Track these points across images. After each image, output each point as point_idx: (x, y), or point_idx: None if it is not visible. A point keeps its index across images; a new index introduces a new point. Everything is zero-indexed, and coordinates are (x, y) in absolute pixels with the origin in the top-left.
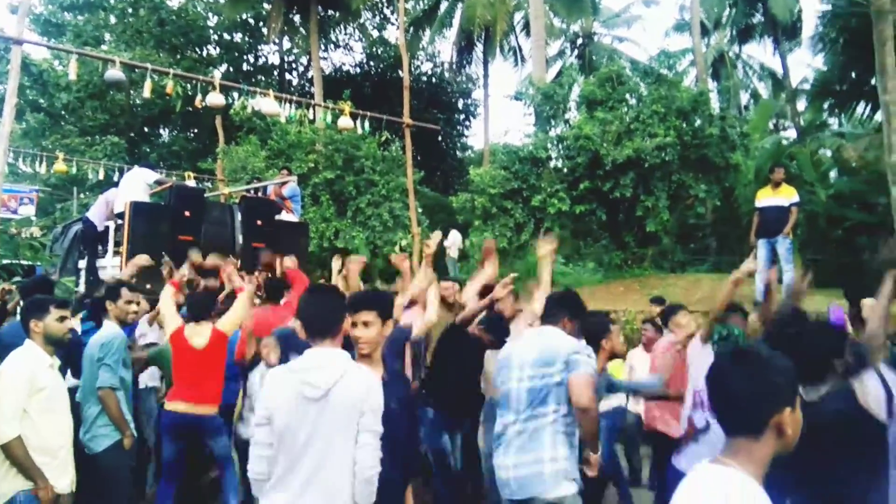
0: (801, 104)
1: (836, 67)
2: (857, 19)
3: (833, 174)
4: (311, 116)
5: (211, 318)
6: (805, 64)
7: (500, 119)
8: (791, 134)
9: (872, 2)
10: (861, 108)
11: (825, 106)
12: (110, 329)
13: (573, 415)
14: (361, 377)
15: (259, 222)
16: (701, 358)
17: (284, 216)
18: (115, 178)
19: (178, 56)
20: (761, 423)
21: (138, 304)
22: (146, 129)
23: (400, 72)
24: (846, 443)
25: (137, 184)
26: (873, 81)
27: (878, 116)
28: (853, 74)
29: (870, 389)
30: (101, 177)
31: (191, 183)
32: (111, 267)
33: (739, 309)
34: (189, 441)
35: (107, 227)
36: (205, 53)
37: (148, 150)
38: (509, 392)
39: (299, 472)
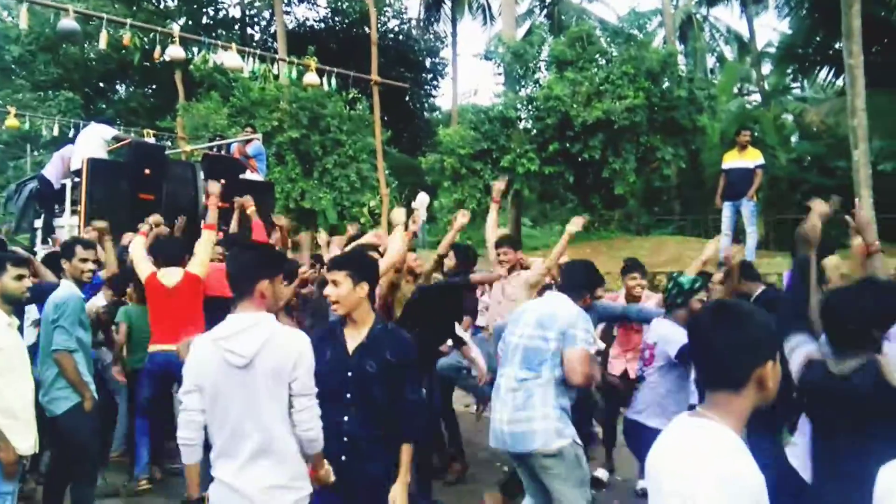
0: (766, 68)
1: (801, 31)
2: None
3: (795, 138)
4: (275, 72)
5: (180, 264)
6: (771, 28)
7: (468, 79)
8: (755, 98)
9: None
10: (824, 73)
11: (789, 70)
12: (66, 289)
13: (565, 382)
14: (288, 342)
15: (222, 181)
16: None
17: (249, 175)
18: (71, 135)
19: (135, 7)
20: (742, 376)
21: (95, 261)
22: (102, 85)
23: (366, 28)
24: (882, 422)
25: (95, 140)
26: (837, 45)
27: (841, 81)
28: (817, 38)
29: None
30: (55, 133)
31: (150, 140)
32: (69, 226)
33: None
34: (166, 382)
35: (63, 186)
36: (162, 6)
37: (104, 106)
38: (509, 345)
39: (243, 439)
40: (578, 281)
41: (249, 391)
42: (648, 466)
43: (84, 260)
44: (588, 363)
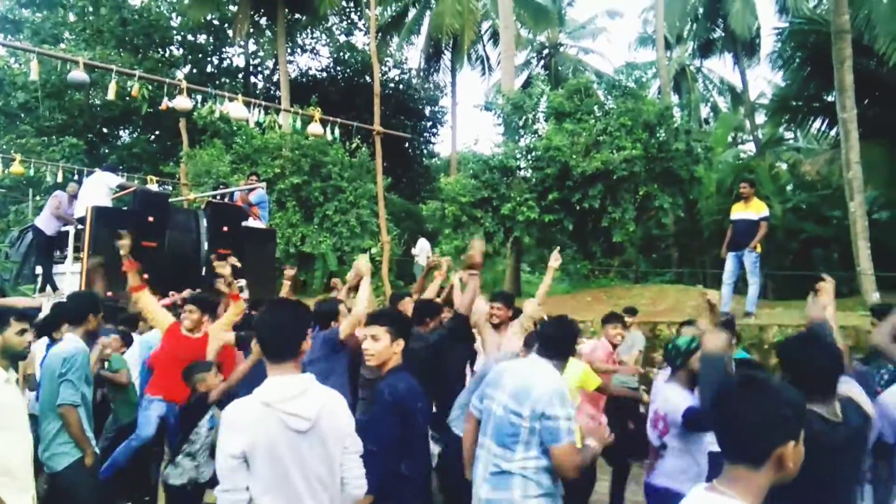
0: (760, 118)
1: (795, 83)
2: (816, 37)
3: (790, 187)
4: (279, 122)
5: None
6: (764, 79)
7: (466, 127)
8: (749, 147)
9: (832, 21)
10: (818, 124)
11: (783, 121)
12: (73, 343)
13: (546, 462)
14: (339, 402)
15: (225, 228)
16: (661, 378)
17: (251, 223)
18: (75, 180)
19: (140, 56)
20: (765, 453)
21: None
22: (105, 131)
23: (367, 77)
24: (859, 455)
25: (100, 188)
26: (830, 98)
27: (834, 132)
28: (811, 90)
29: (861, 396)
30: (59, 179)
31: (154, 187)
32: (71, 273)
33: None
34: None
35: (59, 233)
36: (168, 54)
37: (107, 151)
38: (486, 410)
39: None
40: (558, 342)
41: (308, 455)
42: None
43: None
44: (577, 455)
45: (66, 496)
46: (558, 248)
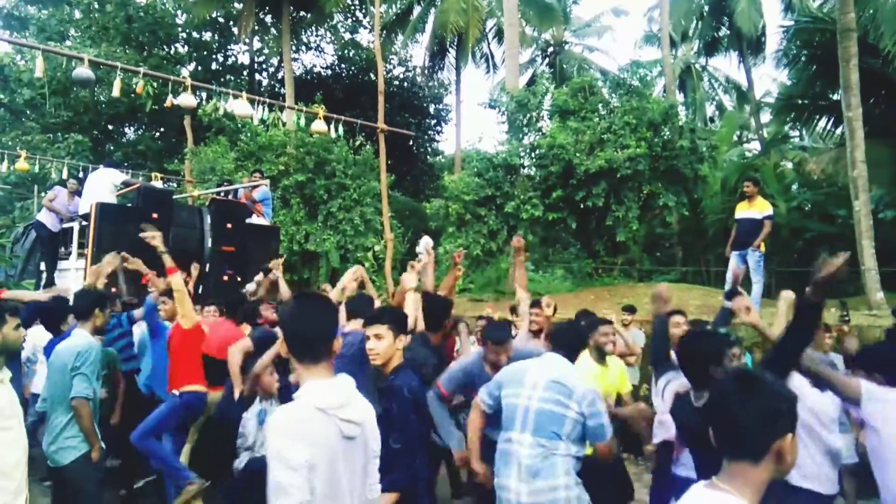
0: (765, 117)
1: (801, 82)
2: (821, 35)
3: (795, 186)
4: (283, 119)
5: None
6: (769, 77)
7: (470, 125)
8: (754, 146)
9: (838, 20)
10: (823, 123)
11: (788, 119)
12: (85, 338)
13: (581, 453)
14: (369, 404)
15: (229, 226)
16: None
17: (255, 220)
18: (80, 177)
19: (145, 53)
20: (764, 448)
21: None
22: (110, 127)
23: (372, 75)
24: None
25: (104, 184)
26: (835, 96)
27: (840, 130)
28: (816, 88)
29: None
30: (64, 175)
31: (158, 184)
32: (75, 269)
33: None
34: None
35: (64, 229)
36: (173, 51)
37: (112, 148)
38: (514, 408)
39: None
40: (571, 342)
41: (353, 462)
42: None
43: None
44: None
45: (73, 490)
46: (519, 233)
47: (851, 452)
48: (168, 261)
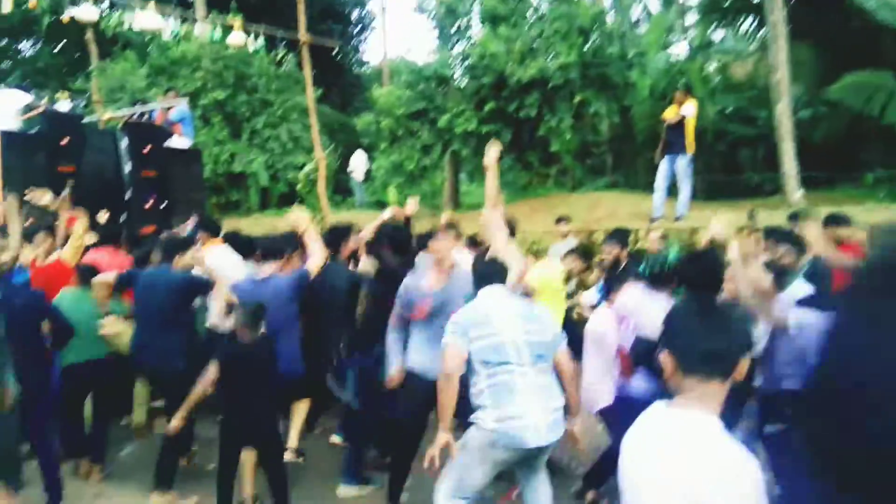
0: (690, 19)
1: None
2: None
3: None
4: (196, 32)
5: None
6: None
7: (398, 35)
8: (681, 48)
9: None
10: (747, 25)
11: (713, 20)
12: None
13: None
14: None
15: (147, 149)
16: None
17: (175, 142)
18: None
19: None
20: (734, 366)
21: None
22: (3, 43)
23: None
24: None
25: (5, 109)
26: None
27: (763, 32)
28: None
29: None
30: None
31: (66, 104)
32: None
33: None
34: None
35: None
36: None
37: (8, 66)
38: (502, 346)
39: None
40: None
41: None
42: (625, 459)
43: None
44: None
45: None
46: (494, 139)
47: None
48: (65, 213)
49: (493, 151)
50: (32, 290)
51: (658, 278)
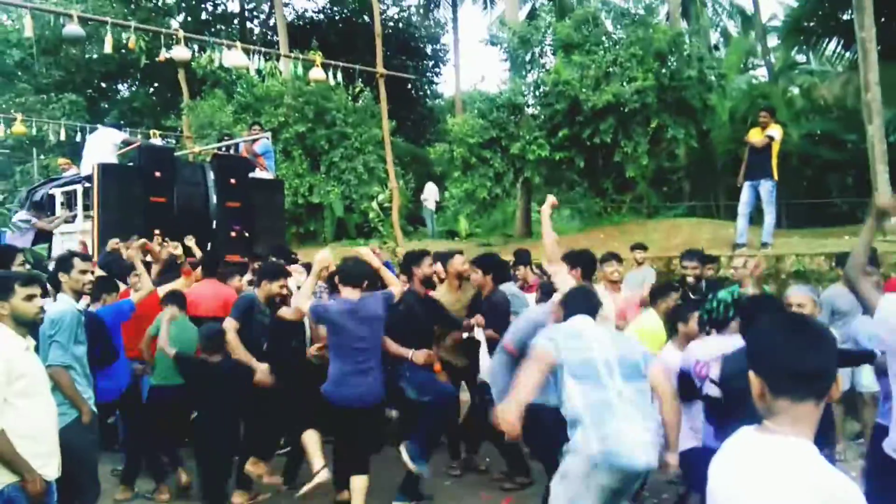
0: (771, 41)
1: (809, 3)
2: None
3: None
4: (280, 68)
5: None
6: (775, 0)
7: (470, 65)
8: (761, 72)
9: None
10: (833, 45)
11: (797, 43)
12: (62, 304)
13: None
14: None
15: (233, 181)
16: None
17: (258, 174)
18: (77, 139)
19: (133, 6)
20: (829, 386)
21: (93, 272)
22: (104, 85)
23: (366, 17)
24: None
25: (104, 145)
26: (845, 16)
27: (850, 53)
28: (825, 10)
29: None
30: (62, 137)
31: (157, 141)
32: (82, 231)
33: None
34: None
35: (46, 195)
36: (160, 2)
37: (107, 106)
38: (593, 362)
39: None
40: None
41: None
42: (715, 489)
43: (83, 272)
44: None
45: (66, 455)
46: (552, 193)
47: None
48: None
49: (547, 203)
50: (94, 311)
51: (724, 324)
